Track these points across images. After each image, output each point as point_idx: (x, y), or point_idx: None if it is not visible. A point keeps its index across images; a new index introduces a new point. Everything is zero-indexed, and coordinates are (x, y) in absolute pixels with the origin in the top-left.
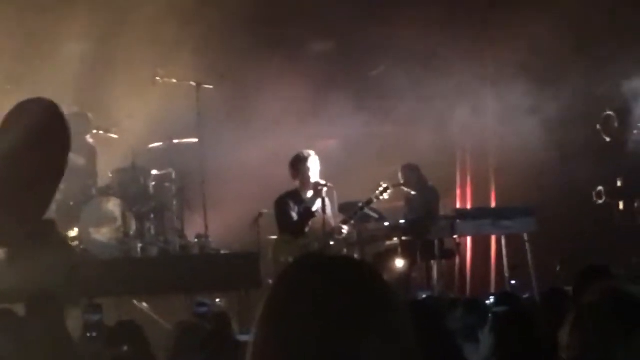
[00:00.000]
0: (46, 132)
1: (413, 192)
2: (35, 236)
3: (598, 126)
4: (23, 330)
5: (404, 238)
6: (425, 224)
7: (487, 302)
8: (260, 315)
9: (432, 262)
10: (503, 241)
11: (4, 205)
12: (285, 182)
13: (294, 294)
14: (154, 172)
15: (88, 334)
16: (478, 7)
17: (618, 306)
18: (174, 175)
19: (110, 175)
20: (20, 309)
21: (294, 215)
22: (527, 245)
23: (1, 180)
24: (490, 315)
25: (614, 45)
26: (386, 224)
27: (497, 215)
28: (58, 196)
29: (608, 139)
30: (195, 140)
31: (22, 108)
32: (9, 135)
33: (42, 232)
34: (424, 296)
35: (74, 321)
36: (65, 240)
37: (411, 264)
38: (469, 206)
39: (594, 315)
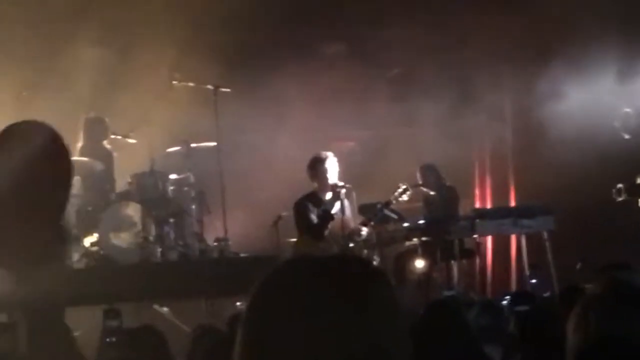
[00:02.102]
0: (48, 157)
1: (432, 192)
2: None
3: (616, 123)
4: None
5: (423, 238)
6: (445, 224)
7: (503, 302)
8: (245, 317)
9: (452, 262)
10: (523, 240)
11: (11, 226)
12: (304, 185)
13: (278, 296)
14: (173, 176)
15: (107, 339)
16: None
17: (620, 293)
18: (192, 179)
19: (129, 180)
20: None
21: (313, 218)
22: (547, 244)
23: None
24: (512, 314)
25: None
26: (405, 224)
27: (517, 214)
28: (77, 202)
29: (627, 136)
30: (213, 143)
31: (20, 130)
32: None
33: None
34: (446, 295)
35: (93, 327)
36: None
37: (431, 264)
38: (488, 206)
39: (596, 305)
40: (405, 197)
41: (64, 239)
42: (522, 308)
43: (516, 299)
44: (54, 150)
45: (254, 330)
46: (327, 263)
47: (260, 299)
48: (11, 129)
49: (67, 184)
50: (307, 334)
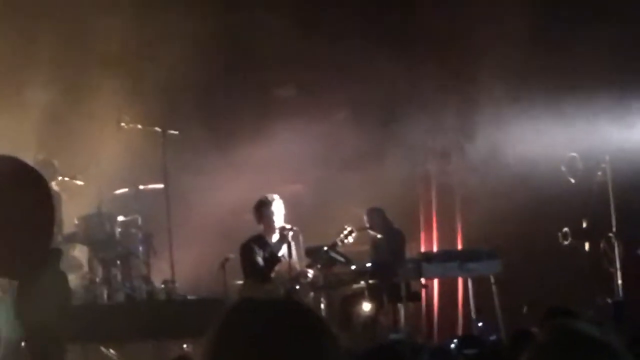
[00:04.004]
0: (23, 184)
1: (379, 235)
2: (41, 266)
3: (562, 167)
4: None
5: (370, 281)
6: (392, 267)
7: (451, 345)
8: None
9: (399, 305)
10: (470, 283)
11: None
12: (251, 227)
13: (230, 339)
14: (120, 218)
15: None
16: (440, 51)
17: (566, 343)
18: (139, 221)
19: (76, 222)
20: None
21: (260, 260)
22: (494, 287)
23: None
24: (460, 358)
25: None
26: (352, 267)
27: (463, 257)
28: None
29: (572, 180)
30: (160, 186)
31: None
32: None
33: (49, 262)
34: (393, 338)
35: None
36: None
37: (378, 307)
38: (434, 249)
39: (544, 354)
40: (350, 239)
41: (54, 262)
42: (470, 352)
43: (464, 342)
44: (29, 177)
45: None
46: (272, 310)
47: (215, 343)
48: None
49: (50, 208)
50: None
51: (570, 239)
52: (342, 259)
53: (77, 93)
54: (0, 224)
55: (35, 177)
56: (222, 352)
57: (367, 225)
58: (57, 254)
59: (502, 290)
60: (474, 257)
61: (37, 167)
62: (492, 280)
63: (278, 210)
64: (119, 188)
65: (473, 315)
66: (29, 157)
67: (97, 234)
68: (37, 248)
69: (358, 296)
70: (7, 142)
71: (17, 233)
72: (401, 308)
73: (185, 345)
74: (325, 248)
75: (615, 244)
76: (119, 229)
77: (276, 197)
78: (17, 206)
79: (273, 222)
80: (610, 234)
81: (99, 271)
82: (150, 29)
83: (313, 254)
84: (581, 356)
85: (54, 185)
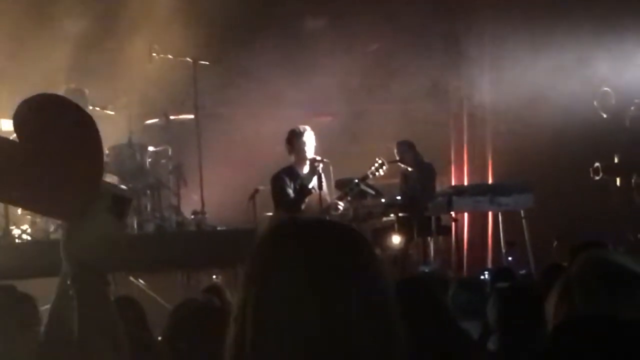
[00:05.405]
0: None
1: (409, 169)
2: (92, 207)
3: (595, 102)
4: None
5: (400, 214)
6: (422, 200)
7: (482, 277)
8: (244, 279)
9: (429, 238)
10: (500, 217)
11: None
12: (282, 159)
13: (275, 258)
14: (151, 148)
15: None
16: None
17: (601, 272)
18: (170, 152)
19: (107, 152)
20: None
21: (290, 192)
22: (524, 221)
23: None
24: (491, 291)
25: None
26: (383, 200)
27: (494, 191)
28: None
29: (605, 115)
30: (191, 116)
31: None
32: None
33: (99, 203)
34: (422, 271)
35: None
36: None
37: (408, 240)
38: (465, 182)
39: (578, 284)
40: (381, 172)
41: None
42: (501, 285)
43: (496, 275)
44: (76, 115)
45: (254, 292)
46: (320, 227)
47: (259, 261)
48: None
49: (98, 147)
50: (306, 296)
51: (601, 174)
52: (372, 192)
53: (109, 23)
54: (51, 163)
55: (83, 115)
56: (268, 265)
57: (398, 158)
58: (107, 195)
59: (533, 224)
60: (505, 191)
61: (68, 96)
62: (523, 214)
63: (309, 141)
64: (150, 118)
65: (503, 249)
66: (61, 86)
67: (127, 164)
68: (87, 189)
69: (388, 229)
70: (39, 70)
71: (68, 173)
72: (431, 241)
73: (214, 276)
74: (356, 180)
75: None
76: (149, 159)
77: (307, 128)
78: (67, 146)
79: (304, 153)
80: None
81: None
82: None
83: (343, 186)
84: (615, 286)
85: None
